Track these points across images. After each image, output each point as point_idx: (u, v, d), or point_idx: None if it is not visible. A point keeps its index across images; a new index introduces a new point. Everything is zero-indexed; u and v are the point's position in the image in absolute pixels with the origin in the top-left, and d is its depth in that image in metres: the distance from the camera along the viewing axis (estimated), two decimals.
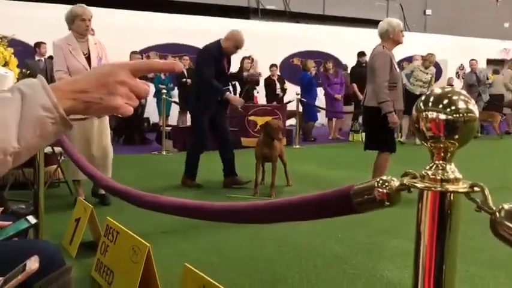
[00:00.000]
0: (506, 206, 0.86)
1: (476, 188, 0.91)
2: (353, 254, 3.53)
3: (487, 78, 12.81)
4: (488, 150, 9.40)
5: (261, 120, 9.03)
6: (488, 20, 19.20)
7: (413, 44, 13.06)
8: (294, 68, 11.53)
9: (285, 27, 14.33)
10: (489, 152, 9.12)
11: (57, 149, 4.94)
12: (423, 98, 0.96)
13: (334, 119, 11.42)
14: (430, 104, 0.93)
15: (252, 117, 9.50)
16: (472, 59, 12.37)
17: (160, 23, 12.36)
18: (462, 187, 0.92)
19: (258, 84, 10.86)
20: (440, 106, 0.92)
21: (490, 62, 16.88)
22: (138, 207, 1.99)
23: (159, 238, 3.72)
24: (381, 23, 5.06)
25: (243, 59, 10.67)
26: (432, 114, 0.92)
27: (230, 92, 6.15)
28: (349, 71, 11.96)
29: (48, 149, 4.80)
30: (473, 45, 15.77)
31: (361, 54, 10.78)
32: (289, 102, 10.45)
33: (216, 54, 5.52)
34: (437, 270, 0.94)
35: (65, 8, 4.62)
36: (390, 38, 4.88)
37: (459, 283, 1.11)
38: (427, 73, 9.55)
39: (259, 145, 5.41)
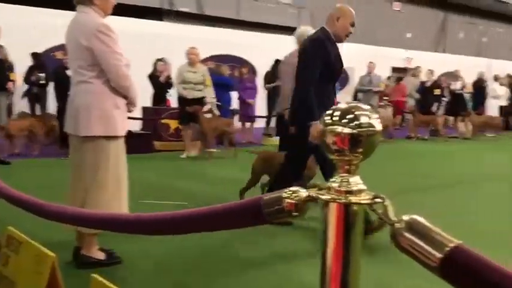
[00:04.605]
0: (405, 218, 0.91)
1: (377, 200, 0.96)
2: (270, 259, 3.58)
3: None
4: (391, 154, 9.91)
5: (174, 124, 8.92)
6: (393, 30, 20.27)
7: None
8: (208, 71, 11.52)
9: (199, 30, 14.29)
10: (390, 157, 9.62)
11: None
12: (329, 112, 1.00)
13: (247, 124, 11.54)
14: (335, 118, 0.97)
15: (165, 121, 9.36)
16: (371, 62, 12.77)
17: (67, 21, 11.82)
18: (365, 198, 0.96)
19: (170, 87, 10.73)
20: (345, 121, 0.96)
21: (394, 70, 17.81)
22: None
23: (66, 248, 3.56)
24: (299, 29, 5.17)
25: (156, 61, 10.50)
26: (337, 129, 0.96)
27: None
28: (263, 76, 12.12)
29: None
30: (379, 54, 16.55)
31: (278, 61, 10.97)
32: (205, 104, 10.41)
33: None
34: (342, 278, 0.98)
35: None
36: None
37: None
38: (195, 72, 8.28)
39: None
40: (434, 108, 13.23)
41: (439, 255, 0.83)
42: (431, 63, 15.30)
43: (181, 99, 8.29)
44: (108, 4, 3.26)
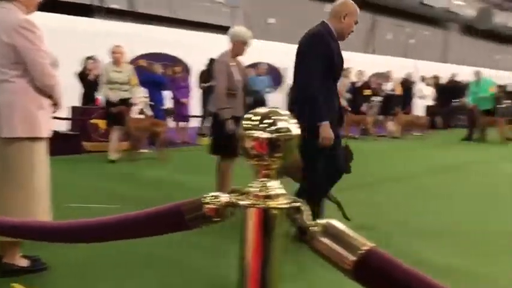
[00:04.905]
0: (321, 221, 0.92)
1: (295, 204, 0.96)
2: (196, 259, 3.55)
3: None
4: None
5: (104, 124, 8.68)
6: None
7: (258, 51, 13.58)
8: (140, 70, 11.28)
9: (130, 27, 13.99)
10: None
11: None
12: (247, 117, 0.99)
13: (182, 123, 11.43)
14: (254, 123, 0.97)
15: (94, 121, 9.09)
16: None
17: None
18: (283, 203, 0.96)
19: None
20: (263, 125, 0.96)
21: None
22: None
23: None
24: (233, 28, 5.15)
25: (86, 59, 10.18)
26: (255, 134, 0.96)
27: None
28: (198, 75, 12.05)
29: None
30: None
31: (213, 60, 10.91)
32: (135, 104, 10.20)
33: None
34: (261, 283, 0.97)
35: None
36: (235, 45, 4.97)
37: None
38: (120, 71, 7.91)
39: None
40: (364, 108, 13.64)
41: (352, 258, 0.84)
42: (362, 64, 15.74)
43: (108, 100, 7.96)
44: (32, 0, 3.11)
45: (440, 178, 7.37)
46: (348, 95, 13.87)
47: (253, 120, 0.97)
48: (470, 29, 29.20)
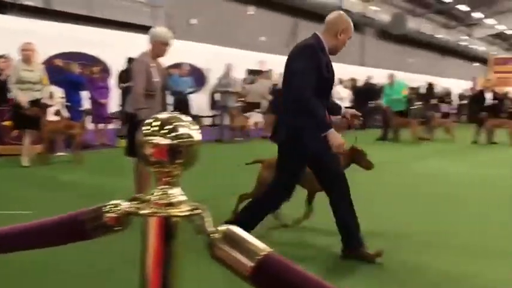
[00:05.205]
0: (221, 228, 0.92)
1: (197, 211, 0.95)
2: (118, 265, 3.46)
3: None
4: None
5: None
6: (248, 34, 20.88)
7: (179, 52, 13.45)
8: (56, 69, 10.83)
9: (46, 25, 13.40)
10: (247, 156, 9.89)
11: None
12: (148, 122, 0.97)
13: (100, 125, 11.10)
14: (154, 130, 0.95)
15: (6, 123, 8.61)
16: (228, 63, 12.82)
17: None
18: (184, 210, 0.95)
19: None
20: (164, 132, 0.94)
21: (250, 72, 18.35)
22: None
23: None
24: (153, 29, 5.06)
25: None
26: (156, 140, 0.94)
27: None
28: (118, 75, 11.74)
29: None
30: (235, 56, 16.93)
31: (132, 60, 10.67)
32: (51, 106, 9.79)
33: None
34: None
35: None
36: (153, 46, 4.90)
37: None
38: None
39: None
40: None
41: (250, 264, 0.84)
42: (283, 67, 16.00)
43: (17, 102, 7.45)
44: None
45: (357, 177, 7.59)
46: (270, 97, 14.07)
47: (153, 126, 0.95)
48: (385, 33, 30.51)
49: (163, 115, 0.97)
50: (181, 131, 0.95)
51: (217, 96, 13.29)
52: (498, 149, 12.60)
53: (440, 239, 4.44)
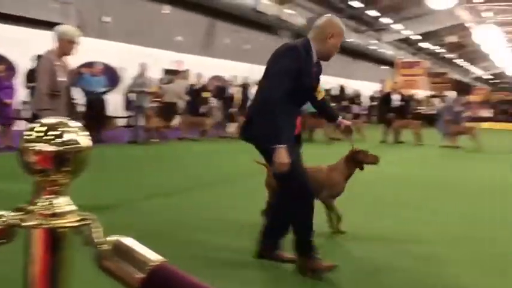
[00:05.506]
0: (110, 239, 0.88)
1: (86, 222, 0.90)
2: None
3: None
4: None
5: None
6: (164, 33, 20.56)
7: (91, 50, 12.99)
8: None
9: None
10: (163, 158, 9.76)
11: None
12: (30, 127, 0.91)
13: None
14: (37, 135, 0.89)
15: None
16: (143, 63, 12.47)
17: None
18: (71, 221, 0.90)
19: None
20: (48, 138, 0.88)
21: (167, 72, 18.09)
22: None
23: None
24: (61, 26, 4.85)
25: None
26: (39, 147, 0.88)
27: None
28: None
29: None
30: (150, 55, 16.61)
31: (40, 57, 10.17)
32: None
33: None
34: None
35: None
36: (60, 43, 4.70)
37: None
38: None
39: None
40: (202, 110, 13.85)
41: (140, 275, 0.81)
42: (200, 67, 15.95)
43: None
44: None
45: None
46: (187, 97, 13.97)
47: (36, 132, 0.89)
48: (300, 36, 31.21)
49: (49, 120, 0.91)
50: (67, 137, 0.89)
51: (132, 96, 12.97)
52: (405, 148, 13.29)
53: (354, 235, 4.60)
